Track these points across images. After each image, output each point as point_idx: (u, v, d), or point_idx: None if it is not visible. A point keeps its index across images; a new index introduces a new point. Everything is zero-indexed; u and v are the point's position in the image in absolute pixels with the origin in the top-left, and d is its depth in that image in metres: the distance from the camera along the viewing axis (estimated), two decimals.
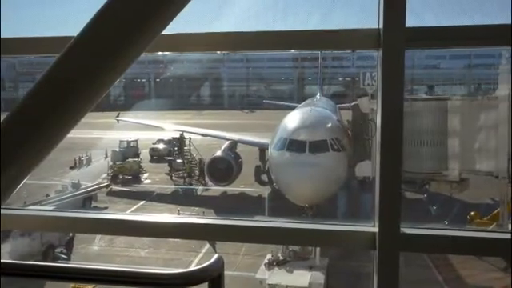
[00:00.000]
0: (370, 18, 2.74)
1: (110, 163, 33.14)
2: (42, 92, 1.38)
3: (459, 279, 17.48)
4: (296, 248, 17.38)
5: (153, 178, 33.01)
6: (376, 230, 2.69)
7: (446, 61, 58.02)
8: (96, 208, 25.72)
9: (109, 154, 34.91)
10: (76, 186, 26.86)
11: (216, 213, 24.40)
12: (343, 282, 18.29)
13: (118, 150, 35.04)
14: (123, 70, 1.41)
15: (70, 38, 1.38)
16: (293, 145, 18.87)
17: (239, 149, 29.32)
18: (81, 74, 1.35)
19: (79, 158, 34.76)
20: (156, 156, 37.48)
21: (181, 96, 69.59)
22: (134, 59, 1.41)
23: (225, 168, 26.58)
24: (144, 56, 1.64)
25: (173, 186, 31.22)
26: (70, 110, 1.39)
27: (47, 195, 24.90)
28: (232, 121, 48.20)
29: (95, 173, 32.43)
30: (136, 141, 37.08)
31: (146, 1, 1.35)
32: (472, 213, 20.10)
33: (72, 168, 33.76)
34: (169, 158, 34.43)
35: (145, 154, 36.61)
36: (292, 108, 28.99)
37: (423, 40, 2.72)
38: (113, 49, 1.35)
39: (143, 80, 70.17)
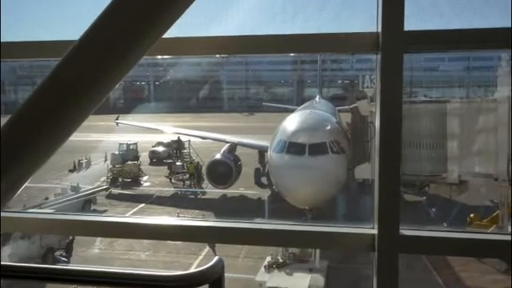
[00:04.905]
0: (369, 22, 2.75)
1: (110, 166, 33.04)
2: (44, 95, 1.39)
3: (459, 281, 17.45)
4: (296, 250, 17.36)
5: (152, 181, 32.97)
6: (375, 231, 2.69)
7: (445, 63, 58.04)
8: (95, 211, 25.69)
9: (108, 156, 34.82)
10: (75, 189, 26.81)
11: (216, 215, 24.38)
12: (343, 284, 18.27)
13: (117, 152, 34.87)
14: (124, 74, 1.42)
15: (71, 42, 1.39)
16: (292, 147, 18.85)
17: (239, 151, 29.31)
18: (82, 78, 1.36)
19: (79, 161, 34.68)
20: (156, 159, 37.39)
21: (180, 99, 69.43)
22: (135, 63, 1.42)
23: (224, 171, 26.57)
24: (144, 59, 1.65)
25: (172, 189, 31.20)
26: (70, 114, 1.40)
27: (47, 198, 24.89)
28: (231, 123, 48.19)
29: (95, 176, 32.37)
30: (135, 144, 36.97)
31: (147, 5, 1.36)
32: (471, 215, 20.07)
33: (71, 171, 33.71)
34: (168, 161, 34.40)
35: (144, 157, 36.53)
36: (291, 110, 29.00)
37: (422, 43, 2.73)
38: (114, 53, 1.36)
39: (143, 83, 70.15)
